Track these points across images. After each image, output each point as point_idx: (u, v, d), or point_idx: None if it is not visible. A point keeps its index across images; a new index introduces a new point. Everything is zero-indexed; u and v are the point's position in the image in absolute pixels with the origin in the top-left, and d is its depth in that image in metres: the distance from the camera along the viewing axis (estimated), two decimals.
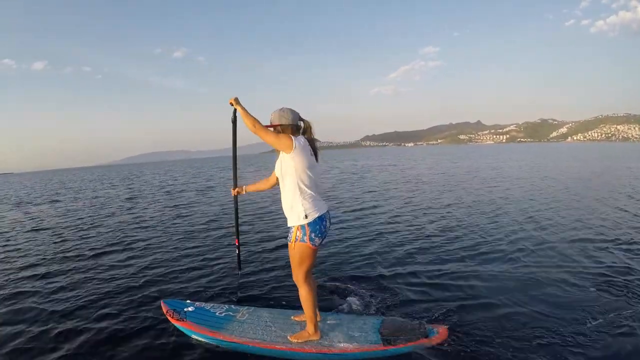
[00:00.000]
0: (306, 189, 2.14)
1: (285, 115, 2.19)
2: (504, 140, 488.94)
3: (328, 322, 2.62)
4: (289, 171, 2.13)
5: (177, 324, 2.59)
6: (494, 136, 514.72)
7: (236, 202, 2.77)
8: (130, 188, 17.20)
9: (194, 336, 2.53)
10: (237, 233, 2.84)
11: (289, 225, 2.24)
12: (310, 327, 2.39)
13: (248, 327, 2.56)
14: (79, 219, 8.43)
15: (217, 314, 2.72)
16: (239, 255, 2.90)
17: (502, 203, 7.50)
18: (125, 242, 5.61)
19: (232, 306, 2.87)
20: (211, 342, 2.47)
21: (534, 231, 5.08)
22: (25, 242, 6.23)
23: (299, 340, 2.37)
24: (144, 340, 2.60)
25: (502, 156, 32.38)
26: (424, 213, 6.80)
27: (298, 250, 2.20)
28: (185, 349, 2.46)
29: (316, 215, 2.14)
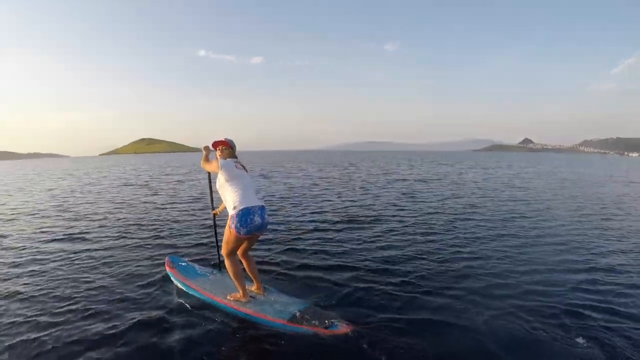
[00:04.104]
0: (234, 189, 2.84)
1: (231, 143, 3.10)
2: None
3: (267, 293, 3.14)
4: (222, 182, 2.87)
5: (167, 270, 3.57)
6: None
7: (214, 220, 3.57)
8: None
9: (172, 279, 3.45)
10: (218, 250, 3.56)
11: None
12: (240, 291, 2.99)
13: (210, 283, 3.30)
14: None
15: (198, 271, 3.57)
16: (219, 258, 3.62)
17: None
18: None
19: (215, 270, 3.66)
20: (179, 285, 3.34)
21: None
22: None
23: (232, 299, 3.00)
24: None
25: None
26: None
27: (227, 233, 2.85)
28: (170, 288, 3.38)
29: (242, 207, 2.76)
